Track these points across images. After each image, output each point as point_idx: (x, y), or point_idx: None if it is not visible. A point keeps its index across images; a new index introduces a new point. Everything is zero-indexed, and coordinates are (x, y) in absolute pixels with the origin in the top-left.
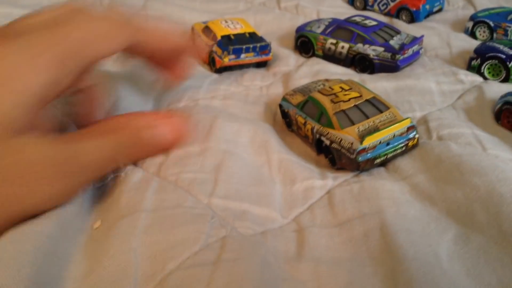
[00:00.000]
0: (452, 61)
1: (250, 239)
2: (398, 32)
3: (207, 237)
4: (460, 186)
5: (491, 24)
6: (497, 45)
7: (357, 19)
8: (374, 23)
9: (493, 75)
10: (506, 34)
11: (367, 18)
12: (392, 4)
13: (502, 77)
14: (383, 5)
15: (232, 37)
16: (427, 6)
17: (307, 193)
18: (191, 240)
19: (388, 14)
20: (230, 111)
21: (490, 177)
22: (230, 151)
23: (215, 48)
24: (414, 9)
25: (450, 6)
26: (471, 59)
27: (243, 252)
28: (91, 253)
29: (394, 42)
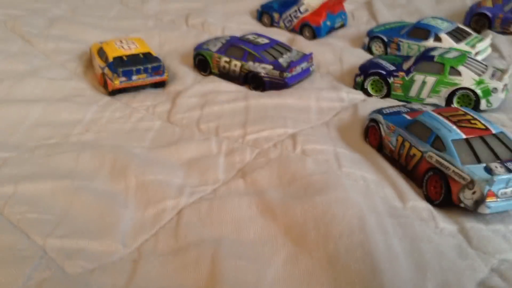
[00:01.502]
0: (342, 77)
1: (74, 279)
2: (289, 49)
3: (27, 280)
4: (302, 203)
5: (385, 39)
6: (380, 61)
7: (251, 37)
8: (266, 41)
9: (376, 91)
10: (398, 49)
11: (260, 36)
12: (295, 21)
13: (384, 93)
14: (288, 22)
15: (125, 58)
16: (328, 23)
17: (157, 217)
18: (9, 282)
19: (293, 30)
20: (100, 144)
21: (330, 196)
22: (84, 187)
23: (106, 70)
24: (315, 25)
25: (355, 21)
26: (356, 75)
27: None
28: None
29: (283, 60)
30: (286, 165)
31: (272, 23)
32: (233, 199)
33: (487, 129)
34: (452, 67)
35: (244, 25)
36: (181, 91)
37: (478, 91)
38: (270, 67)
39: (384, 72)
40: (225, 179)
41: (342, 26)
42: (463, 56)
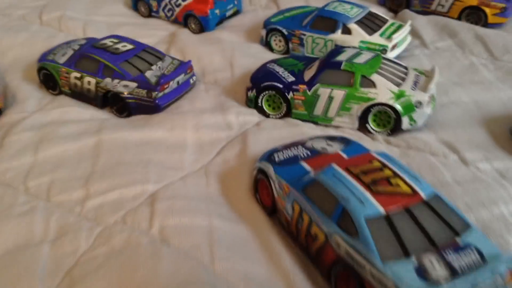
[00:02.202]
0: (233, 89)
1: None
2: (160, 57)
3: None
4: None
5: (285, 32)
6: (276, 69)
7: (108, 42)
8: (129, 47)
9: (273, 108)
10: (302, 44)
11: (121, 40)
12: (177, 9)
13: (283, 112)
14: (168, 11)
15: None
16: (217, 11)
17: None
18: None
19: (176, 21)
20: None
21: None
22: None
23: None
24: (202, 15)
25: (251, 5)
26: (248, 89)
27: None
28: None
29: (152, 73)
30: (130, 268)
31: (150, 13)
32: None
33: (414, 193)
34: (363, 77)
35: (115, 17)
36: (16, 122)
37: (398, 107)
38: (133, 84)
39: (280, 86)
40: None
41: (236, 13)
42: (376, 60)
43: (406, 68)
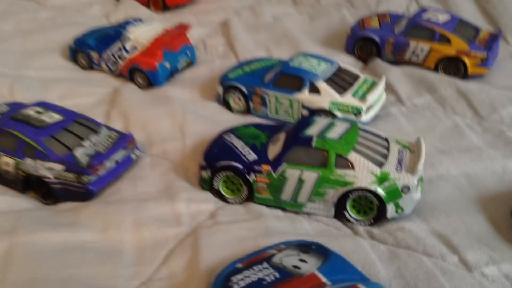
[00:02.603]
0: (183, 163)
1: None
2: (95, 129)
3: None
4: None
5: (245, 90)
6: (235, 143)
7: (31, 112)
8: (57, 117)
9: (232, 192)
10: (264, 103)
11: (49, 108)
12: (121, 63)
13: (244, 196)
14: (112, 64)
15: None
16: (167, 65)
17: None
18: None
19: (121, 75)
20: None
21: None
22: None
23: None
24: (149, 70)
25: (207, 54)
26: (201, 168)
27: None
28: None
29: (83, 151)
30: None
31: (91, 65)
32: None
33: None
34: (339, 156)
35: (49, 71)
36: None
37: (381, 193)
38: (60, 166)
39: (240, 166)
40: None
41: (190, 64)
42: (352, 133)
43: (386, 140)
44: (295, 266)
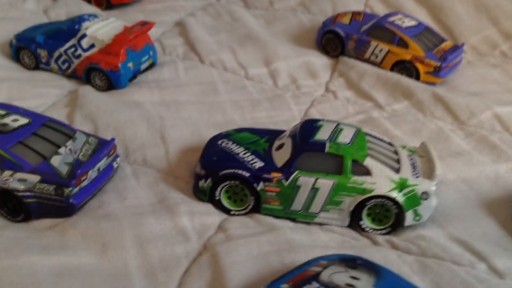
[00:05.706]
0: (170, 171)
1: None
2: (70, 134)
3: None
4: None
5: None
6: (235, 149)
7: None
8: (23, 121)
9: (235, 202)
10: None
11: (11, 110)
12: (76, 62)
13: (249, 207)
14: (63, 63)
15: None
16: (130, 65)
17: None
18: None
19: (73, 75)
20: None
21: None
22: None
23: None
24: (110, 70)
25: (166, 55)
26: (198, 177)
27: None
28: None
29: (60, 159)
30: None
31: (37, 65)
32: None
33: None
34: (355, 162)
35: None
36: None
37: (401, 200)
38: (34, 178)
39: (247, 174)
40: None
41: (152, 65)
42: (361, 137)
43: (391, 144)
44: (349, 285)
